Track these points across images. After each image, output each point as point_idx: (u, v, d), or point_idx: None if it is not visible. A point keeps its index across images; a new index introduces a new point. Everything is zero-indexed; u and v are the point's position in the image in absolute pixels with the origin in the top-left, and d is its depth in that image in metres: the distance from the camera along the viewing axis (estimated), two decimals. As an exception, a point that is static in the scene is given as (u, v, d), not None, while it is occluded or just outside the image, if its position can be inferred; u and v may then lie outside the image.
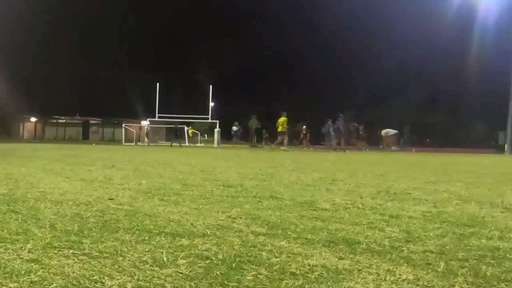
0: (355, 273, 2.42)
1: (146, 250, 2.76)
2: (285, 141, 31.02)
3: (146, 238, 3.08)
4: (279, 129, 31.04)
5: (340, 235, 3.30)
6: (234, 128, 41.50)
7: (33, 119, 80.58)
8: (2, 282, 2.11)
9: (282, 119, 30.72)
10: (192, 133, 53.86)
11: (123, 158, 14.53)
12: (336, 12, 79.79)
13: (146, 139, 49.92)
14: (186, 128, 48.69)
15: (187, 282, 2.22)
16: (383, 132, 35.84)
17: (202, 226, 3.51)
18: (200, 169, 9.60)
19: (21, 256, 2.53)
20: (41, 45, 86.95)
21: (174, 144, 38.88)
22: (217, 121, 49.50)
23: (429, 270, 2.49)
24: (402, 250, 2.91)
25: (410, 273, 2.43)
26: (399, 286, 2.25)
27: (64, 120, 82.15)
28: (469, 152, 28.37)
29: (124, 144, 47.44)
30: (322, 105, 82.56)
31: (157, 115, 49.11)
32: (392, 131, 35.18)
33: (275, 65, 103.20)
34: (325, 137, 34.60)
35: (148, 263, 2.50)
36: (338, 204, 4.85)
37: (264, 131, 49.45)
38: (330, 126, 32.42)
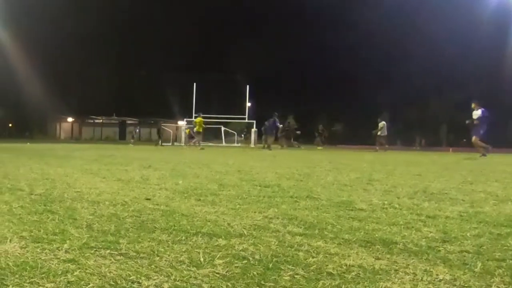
0: (392, 273, 2.42)
1: (183, 250, 2.79)
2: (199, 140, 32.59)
3: (183, 238, 3.11)
4: (196, 128, 32.73)
5: (377, 235, 3.31)
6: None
7: (70, 119, 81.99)
8: (39, 283, 2.15)
9: (198, 120, 32.44)
10: (189, 132, 54.65)
11: (160, 158, 14.68)
12: (373, 11, 79.42)
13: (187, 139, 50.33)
14: (223, 128, 49.03)
15: (224, 282, 2.24)
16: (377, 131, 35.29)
17: (239, 226, 3.54)
18: (237, 169, 9.65)
19: (58, 256, 2.57)
20: (79, 45, 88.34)
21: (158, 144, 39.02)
22: (254, 121, 49.59)
23: (466, 270, 2.48)
24: (439, 250, 2.90)
25: (447, 273, 2.42)
26: (436, 286, 2.25)
27: (101, 120, 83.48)
28: (507, 152, 27.70)
29: (161, 144, 47.88)
30: (359, 104, 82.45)
31: (193, 115, 49.43)
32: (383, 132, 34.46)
33: (312, 65, 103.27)
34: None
35: (185, 263, 2.53)
36: (375, 204, 4.87)
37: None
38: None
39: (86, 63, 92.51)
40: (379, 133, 32.41)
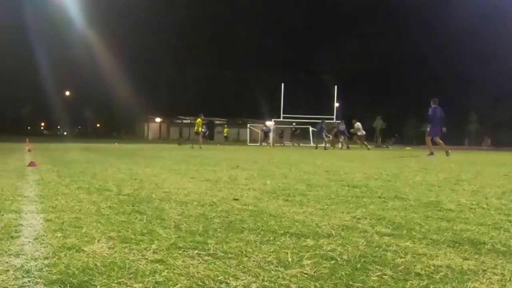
0: (480, 273, 2.41)
1: (271, 250, 2.82)
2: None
3: (271, 238, 3.14)
4: (195, 129, 33.12)
5: (465, 235, 3.30)
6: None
7: (157, 120, 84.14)
8: (127, 283, 2.20)
9: (198, 120, 32.85)
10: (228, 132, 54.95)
11: (248, 159, 14.82)
12: (461, 11, 77.79)
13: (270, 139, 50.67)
14: (310, 128, 48.96)
15: (312, 282, 2.25)
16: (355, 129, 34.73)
17: (327, 226, 3.56)
18: (325, 170, 9.69)
19: (146, 257, 2.63)
20: (166, 46, 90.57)
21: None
22: (342, 121, 49.38)
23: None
24: (527, 251, 2.85)
25: (535, 273, 2.37)
26: (523, 287, 2.20)
27: (189, 121, 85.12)
28: None
29: (248, 144, 48.34)
30: (447, 105, 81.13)
31: (282, 115, 49.68)
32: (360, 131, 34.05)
33: (400, 65, 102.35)
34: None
35: (273, 263, 2.55)
36: (463, 204, 4.86)
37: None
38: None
39: (174, 63, 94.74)
40: (358, 133, 34.24)
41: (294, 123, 36.44)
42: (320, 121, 34.29)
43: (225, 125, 62.88)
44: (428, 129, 19.92)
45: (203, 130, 33.50)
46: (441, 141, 19.55)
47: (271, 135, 45.83)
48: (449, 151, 19.43)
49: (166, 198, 5.05)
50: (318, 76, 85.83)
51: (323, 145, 33.30)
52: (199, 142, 31.49)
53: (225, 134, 58.48)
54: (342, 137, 34.55)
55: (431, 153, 19.29)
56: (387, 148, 38.30)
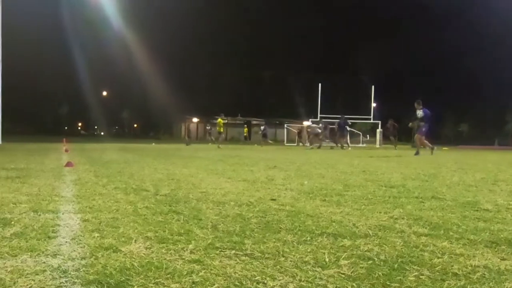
0: None
1: (308, 250, 2.83)
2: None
3: (308, 238, 3.15)
4: (217, 129, 34.23)
5: (502, 235, 3.30)
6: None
7: (195, 120, 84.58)
8: (164, 283, 2.22)
9: (219, 120, 33.94)
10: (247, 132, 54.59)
11: (285, 159, 14.82)
12: (498, 11, 76.95)
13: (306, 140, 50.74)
14: (348, 129, 48.97)
15: (349, 282, 2.26)
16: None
17: (364, 226, 3.58)
18: (362, 170, 9.71)
19: (183, 257, 2.65)
20: (203, 46, 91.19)
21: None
22: (379, 122, 49.29)
23: None
24: None
25: None
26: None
27: (226, 121, 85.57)
28: None
29: (285, 144, 48.39)
30: (484, 105, 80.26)
31: (319, 115, 49.63)
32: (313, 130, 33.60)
33: (437, 65, 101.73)
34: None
35: (310, 263, 2.56)
36: (501, 204, 4.86)
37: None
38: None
39: (212, 63, 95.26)
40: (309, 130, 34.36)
41: (320, 124, 36.11)
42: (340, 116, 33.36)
43: (245, 125, 62.20)
44: (424, 129, 20.10)
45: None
46: (425, 141, 20.17)
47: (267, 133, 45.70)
48: (434, 147, 20.16)
49: (203, 198, 5.08)
50: (356, 76, 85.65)
51: (342, 144, 32.27)
52: (221, 142, 31.70)
53: (245, 134, 58.19)
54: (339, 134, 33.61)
55: (432, 148, 19.97)
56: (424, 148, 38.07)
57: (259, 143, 37.32)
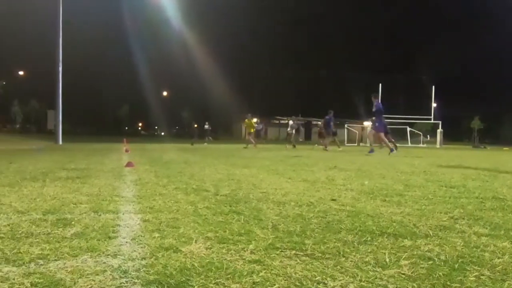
0: None
1: (369, 251, 2.84)
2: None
3: (369, 239, 3.16)
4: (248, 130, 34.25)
5: None
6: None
7: (254, 120, 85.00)
8: (224, 283, 2.25)
9: (247, 121, 33.74)
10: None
11: (345, 159, 14.77)
12: None
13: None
14: (408, 129, 48.39)
15: (409, 283, 2.26)
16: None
17: (425, 227, 3.58)
18: (423, 170, 9.64)
19: (244, 257, 2.68)
20: (265, 46, 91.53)
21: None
22: (440, 122, 48.68)
23: None
24: None
25: None
26: None
27: (286, 121, 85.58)
28: None
29: (346, 144, 48.12)
30: None
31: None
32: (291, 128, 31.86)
33: (499, 66, 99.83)
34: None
35: (370, 264, 2.57)
36: None
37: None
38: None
39: (273, 63, 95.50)
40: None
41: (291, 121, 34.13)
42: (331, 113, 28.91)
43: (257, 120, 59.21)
44: (377, 124, 19.20)
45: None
46: (385, 138, 19.18)
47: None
48: (395, 149, 18.90)
49: (264, 198, 5.11)
50: (416, 76, 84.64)
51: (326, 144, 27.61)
52: (252, 142, 31.71)
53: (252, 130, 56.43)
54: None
55: (394, 148, 19.05)
56: (484, 149, 37.55)
57: (289, 143, 32.81)
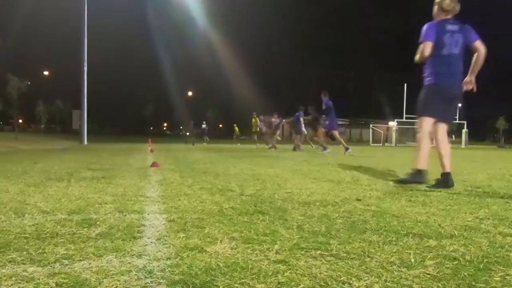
0: None
1: (394, 251, 2.84)
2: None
3: (394, 239, 3.16)
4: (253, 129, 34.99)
5: None
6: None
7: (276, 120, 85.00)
8: (249, 283, 2.26)
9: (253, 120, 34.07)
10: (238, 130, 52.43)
11: (371, 159, 14.72)
12: None
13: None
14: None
15: (434, 283, 2.26)
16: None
17: (450, 227, 3.58)
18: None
19: (269, 257, 2.69)
20: (289, 46, 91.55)
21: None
22: (465, 122, 48.36)
23: None
24: None
25: None
26: None
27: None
28: None
29: (371, 145, 47.94)
30: None
31: (404, 115, 49.04)
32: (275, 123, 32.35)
33: None
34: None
35: (395, 264, 2.56)
36: None
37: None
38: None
39: (297, 64, 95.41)
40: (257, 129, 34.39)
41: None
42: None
43: (234, 124, 58.20)
44: (327, 122, 18.89)
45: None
46: (338, 136, 18.81)
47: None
48: (350, 148, 18.24)
49: (289, 198, 5.12)
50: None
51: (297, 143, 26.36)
52: (262, 141, 31.64)
53: (237, 132, 55.35)
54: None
55: (325, 148, 18.88)
56: (509, 149, 37.27)
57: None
